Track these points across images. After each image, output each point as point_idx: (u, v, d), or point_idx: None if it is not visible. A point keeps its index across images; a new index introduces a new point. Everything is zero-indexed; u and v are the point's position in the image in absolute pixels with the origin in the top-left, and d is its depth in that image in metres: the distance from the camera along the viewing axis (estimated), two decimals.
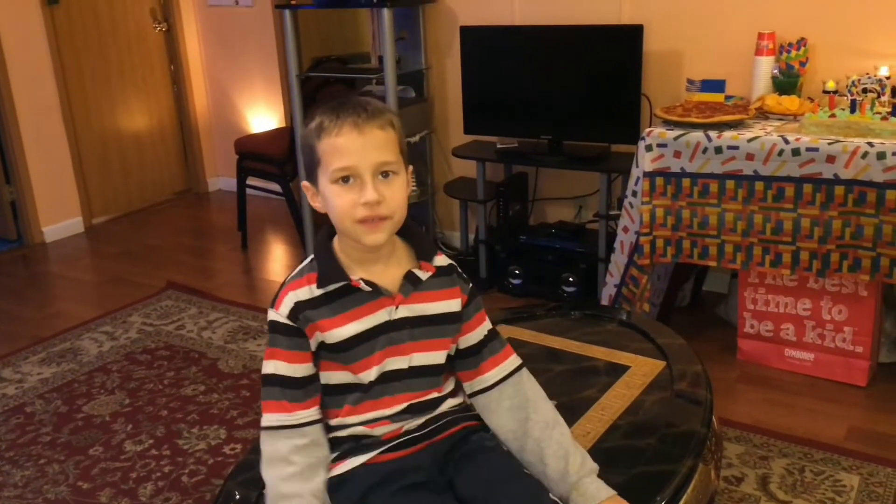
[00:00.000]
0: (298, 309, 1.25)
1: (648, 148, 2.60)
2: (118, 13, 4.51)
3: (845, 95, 2.59)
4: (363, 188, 1.21)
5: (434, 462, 1.30)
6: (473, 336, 1.36)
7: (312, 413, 1.29)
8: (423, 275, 1.30)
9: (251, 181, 4.02)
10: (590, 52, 3.14)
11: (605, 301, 2.89)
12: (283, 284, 1.30)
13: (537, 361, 1.77)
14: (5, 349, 3.02)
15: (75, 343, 3.04)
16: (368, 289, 1.26)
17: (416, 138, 3.53)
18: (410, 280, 1.29)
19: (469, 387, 1.37)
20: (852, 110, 2.43)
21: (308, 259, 1.32)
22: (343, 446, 1.30)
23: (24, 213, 4.19)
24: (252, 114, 4.81)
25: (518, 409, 1.33)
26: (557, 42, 3.19)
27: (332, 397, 1.30)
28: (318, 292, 1.26)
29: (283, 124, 4.58)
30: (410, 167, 1.30)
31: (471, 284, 1.38)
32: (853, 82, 2.62)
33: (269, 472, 1.28)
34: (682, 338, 1.89)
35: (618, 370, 1.73)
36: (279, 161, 3.84)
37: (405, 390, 1.30)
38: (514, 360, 1.38)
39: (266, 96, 4.70)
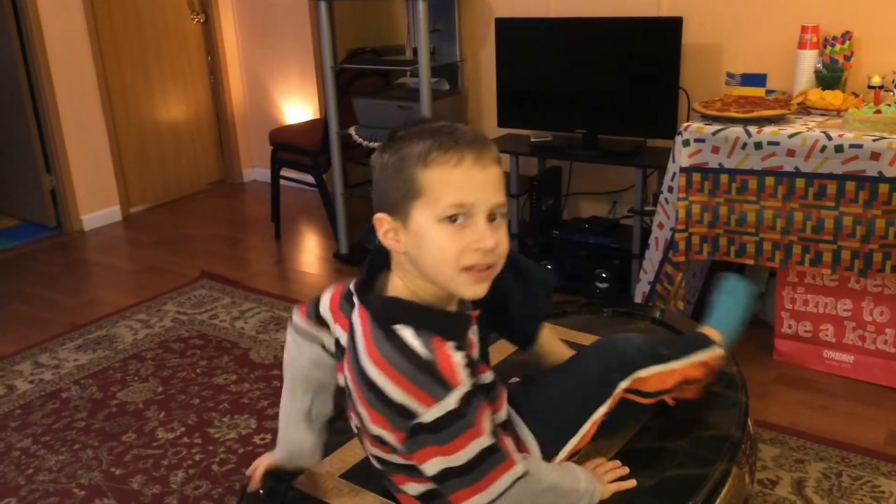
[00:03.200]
0: (472, 368, 1.09)
1: (686, 143, 2.55)
2: (157, 4, 4.56)
3: (891, 91, 2.53)
4: (477, 231, 1.07)
5: None
6: None
7: None
8: None
9: (285, 172, 4.04)
10: (627, 45, 3.09)
11: (638, 298, 2.85)
12: (424, 370, 1.07)
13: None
14: (43, 335, 3.08)
15: (111, 330, 3.08)
16: (476, 312, 1.20)
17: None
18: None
19: None
20: None
21: (417, 343, 1.08)
22: None
23: (64, 202, 4.26)
24: (287, 105, 4.83)
25: None
26: (594, 34, 3.15)
27: None
28: (455, 346, 1.09)
29: (317, 116, 4.59)
30: None
31: None
32: None
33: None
34: None
35: None
36: (313, 153, 3.84)
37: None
38: None
39: (301, 88, 4.72)
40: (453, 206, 1.06)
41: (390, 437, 1.12)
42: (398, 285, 1.15)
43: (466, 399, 1.06)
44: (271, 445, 2.25)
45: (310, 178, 3.96)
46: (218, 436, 2.35)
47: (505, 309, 1.40)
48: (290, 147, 3.97)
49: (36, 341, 3.02)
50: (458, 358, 1.07)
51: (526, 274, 1.44)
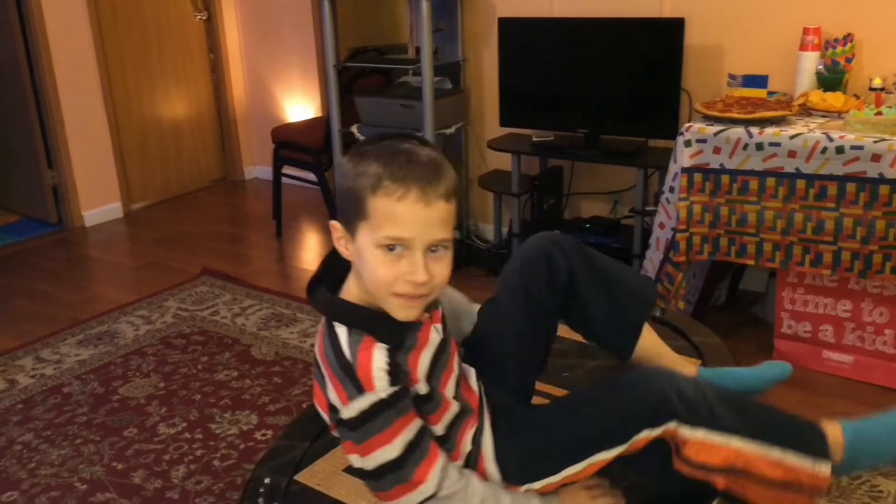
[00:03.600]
0: (395, 376, 1.12)
1: (687, 143, 2.56)
2: (160, 1, 4.57)
3: (892, 93, 2.54)
4: (412, 264, 1.09)
5: None
6: None
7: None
8: None
9: (287, 170, 4.05)
10: (629, 46, 3.10)
11: None
12: (345, 369, 1.12)
13: (570, 357, 1.75)
14: (45, 330, 3.08)
15: (112, 326, 3.09)
16: (427, 317, 1.20)
17: (452, 130, 3.52)
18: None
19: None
20: None
21: (342, 331, 1.14)
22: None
23: (65, 198, 4.27)
24: (289, 103, 4.84)
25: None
26: (596, 35, 3.16)
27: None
28: (388, 347, 1.13)
29: (319, 114, 4.60)
30: None
31: None
32: None
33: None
34: (717, 336, 1.85)
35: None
36: (315, 151, 3.85)
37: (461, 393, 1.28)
38: None
39: (303, 86, 4.73)
40: (390, 238, 1.09)
41: (328, 420, 1.20)
42: (352, 287, 1.19)
43: (379, 406, 1.10)
44: (272, 441, 2.27)
45: (311, 176, 3.96)
46: (219, 431, 2.36)
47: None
48: (292, 145, 3.97)
49: (37, 336, 3.03)
50: (378, 363, 1.10)
51: (611, 283, 1.42)
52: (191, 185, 4.93)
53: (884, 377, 2.52)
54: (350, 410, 1.11)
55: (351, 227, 1.13)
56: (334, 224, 1.17)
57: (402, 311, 1.13)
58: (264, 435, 2.34)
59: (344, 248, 1.16)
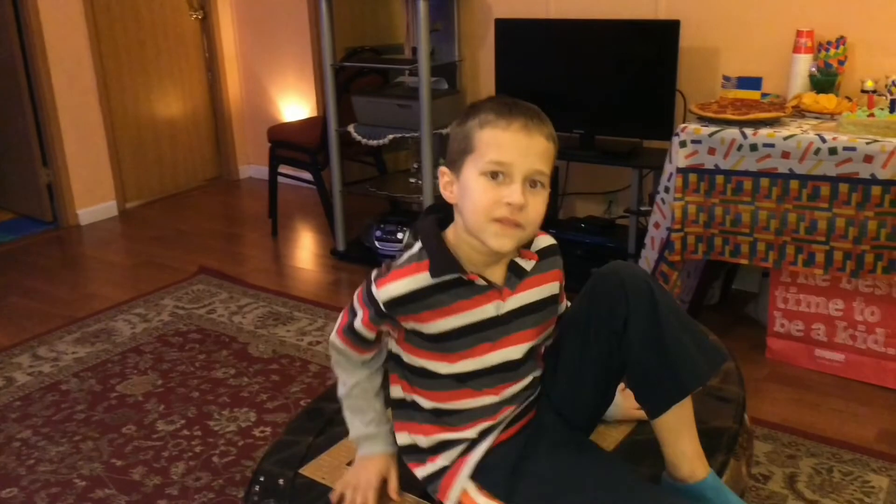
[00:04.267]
0: (400, 303, 1.26)
1: (682, 144, 2.59)
2: (155, 0, 4.57)
3: (884, 95, 2.57)
4: (511, 188, 1.18)
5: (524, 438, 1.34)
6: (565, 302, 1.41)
7: (371, 357, 1.41)
8: (528, 264, 1.31)
9: (283, 169, 4.06)
10: (625, 47, 3.13)
11: None
12: (390, 266, 1.29)
13: None
14: (41, 328, 3.09)
15: (109, 324, 3.10)
16: (483, 283, 1.26)
17: (448, 130, 3.53)
18: (515, 272, 1.29)
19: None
20: (891, 110, 2.40)
21: (417, 246, 1.29)
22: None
23: (60, 196, 4.26)
24: (284, 103, 4.85)
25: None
26: (592, 36, 3.18)
27: (438, 381, 1.31)
28: (431, 282, 1.24)
29: (314, 114, 4.62)
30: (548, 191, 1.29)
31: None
32: (893, 82, 2.60)
33: (338, 371, 1.42)
34: (714, 335, 1.88)
35: None
36: (311, 150, 3.87)
37: (512, 379, 1.31)
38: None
39: (298, 85, 4.74)
40: (494, 162, 1.19)
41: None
42: (449, 234, 1.30)
43: (369, 295, 1.29)
44: (271, 438, 2.28)
45: (307, 175, 3.98)
46: (218, 428, 2.37)
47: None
48: (288, 144, 3.99)
49: (34, 334, 3.04)
50: (396, 286, 1.26)
51: (667, 345, 1.25)
52: (186, 184, 4.93)
53: (875, 375, 2.56)
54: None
55: (457, 166, 1.24)
56: (442, 169, 1.29)
57: (497, 240, 1.21)
58: (263, 432, 2.35)
59: (449, 193, 1.27)
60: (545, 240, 1.36)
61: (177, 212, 4.58)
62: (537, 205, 1.21)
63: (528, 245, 1.31)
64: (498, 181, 1.19)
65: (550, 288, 1.34)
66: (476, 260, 1.26)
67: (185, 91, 4.84)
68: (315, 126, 3.95)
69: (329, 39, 3.54)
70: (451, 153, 1.26)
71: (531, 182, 1.20)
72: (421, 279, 1.24)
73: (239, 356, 2.81)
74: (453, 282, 1.25)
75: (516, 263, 1.29)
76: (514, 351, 1.30)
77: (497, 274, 1.28)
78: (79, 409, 2.50)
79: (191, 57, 4.83)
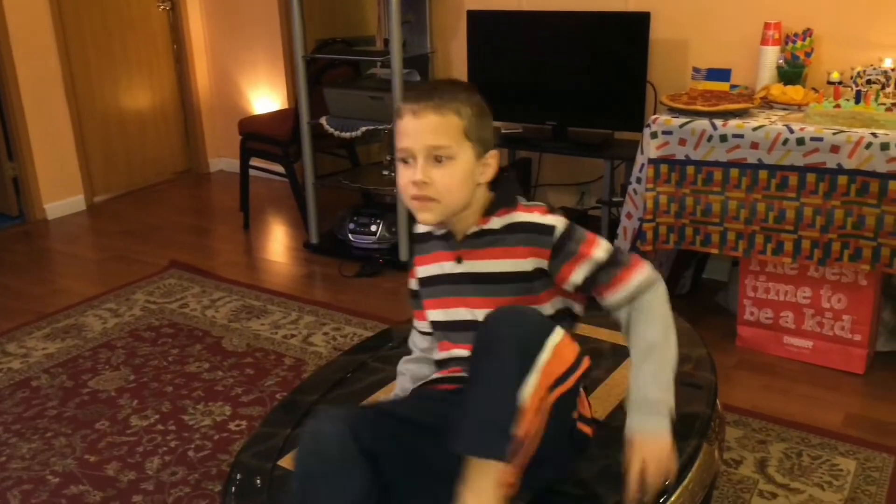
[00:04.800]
0: (413, 242, 1.52)
1: (654, 135, 2.62)
2: None
3: (850, 86, 2.62)
4: (413, 168, 1.32)
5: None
6: (578, 275, 1.33)
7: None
8: (483, 227, 1.37)
9: (254, 162, 4.03)
10: (596, 39, 3.15)
11: None
12: None
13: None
14: (9, 324, 3.04)
15: (79, 319, 3.06)
16: (440, 232, 1.41)
17: None
18: (476, 235, 1.37)
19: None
20: (857, 101, 2.45)
21: None
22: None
23: (27, 190, 4.20)
24: (255, 95, 4.81)
25: (627, 334, 1.34)
26: (564, 28, 3.20)
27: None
28: (420, 230, 1.47)
29: (285, 106, 4.58)
30: (494, 151, 1.35)
31: (559, 234, 1.34)
32: (858, 73, 2.65)
33: None
34: (686, 322, 1.91)
35: (623, 352, 1.75)
36: (283, 143, 3.84)
37: (469, 340, 1.32)
38: (625, 288, 1.31)
39: (269, 77, 4.70)
40: (400, 150, 1.34)
41: None
42: None
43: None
44: (247, 432, 2.28)
45: (279, 168, 3.95)
46: (192, 423, 2.36)
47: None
48: (259, 137, 3.96)
49: (2, 330, 2.99)
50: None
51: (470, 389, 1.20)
52: (155, 178, 4.87)
53: (841, 361, 2.61)
54: None
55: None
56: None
57: (419, 214, 1.35)
58: (238, 426, 2.34)
59: None
60: (534, 216, 1.35)
61: (146, 206, 4.52)
62: (444, 177, 1.31)
63: (491, 212, 1.37)
64: (409, 165, 1.33)
65: (516, 264, 1.34)
66: (447, 224, 1.41)
67: (154, 83, 4.78)
68: (286, 118, 3.93)
69: (300, 31, 3.51)
70: None
71: (435, 158, 1.30)
72: (420, 227, 1.46)
73: (213, 350, 2.79)
74: (428, 235, 1.45)
75: (481, 229, 1.37)
76: (477, 313, 1.37)
77: (459, 236, 1.40)
78: (50, 406, 2.47)
79: (159, 48, 4.77)
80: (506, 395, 1.15)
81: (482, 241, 1.37)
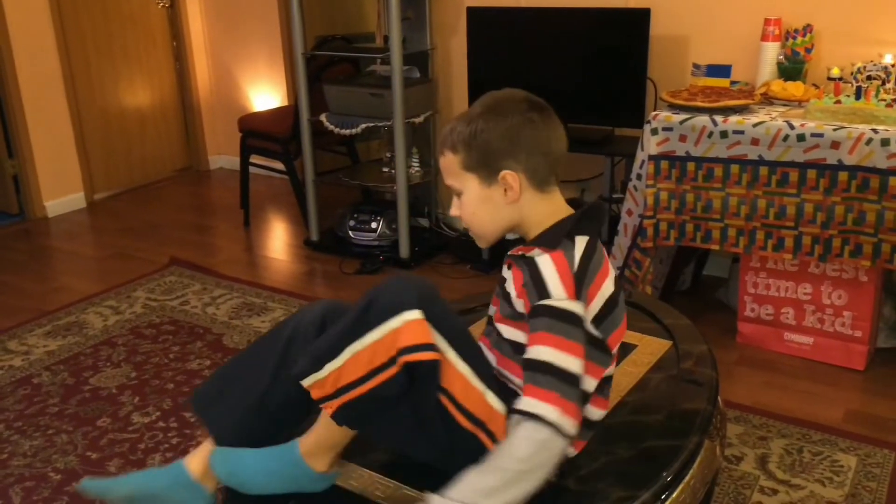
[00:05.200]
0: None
1: (654, 131, 2.61)
2: None
3: (850, 82, 2.62)
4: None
5: None
6: (525, 348, 1.26)
7: None
8: (524, 252, 1.32)
9: (254, 159, 4.03)
10: (596, 35, 3.14)
11: None
12: None
13: None
14: (10, 322, 3.04)
15: (80, 317, 3.06)
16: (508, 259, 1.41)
17: (421, 119, 3.53)
18: (518, 253, 1.35)
19: None
20: (857, 97, 2.45)
21: None
22: None
23: (27, 188, 4.19)
24: (255, 92, 4.80)
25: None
26: (564, 24, 3.20)
27: None
28: None
29: (285, 103, 4.58)
30: (506, 172, 1.30)
31: (544, 306, 1.23)
32: (858, 69, 2.65)
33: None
34: (686, 318, 1.91)
35: (625, 349, 1.75)
36: (283, 140, 3.84)
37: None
38: (523, 401, 1.19)
39: (269, 74, 4.70)
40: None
41: None
42: None
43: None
44: None
45: (279, 165, 3.95)
46: (194, 419, 2.36)
47: None
48: (259, 134, 3.95)
49: (3, 327, 2.99)
50: None
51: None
52: (155, 175, 4.87)
53: (842, 357, 2.61)
54: None
55: None
56: None
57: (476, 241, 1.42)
58: None
59: None
60: (530, 251, 1.30)
61: (146, 203, 4.52)
62: (463, 210, 1.37)
63: (537, 243, 1.31)
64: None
65: (512, 287, 1.32)
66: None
67: (154, 80, 4.78)
68: (286, 116, 3.93)
69: (300, 28, 3.51)
70: None
71: (456, 194, 1.37)
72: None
73: (213, 347, 2.79)
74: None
75: (522, 254, 1.33)
76: (493, 309, 1.44)
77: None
78: (52, 403, 2.47)
79: (159, 46, 4.76)
80: (340, 340, 1.25)
81: (518, 260, 1.32)
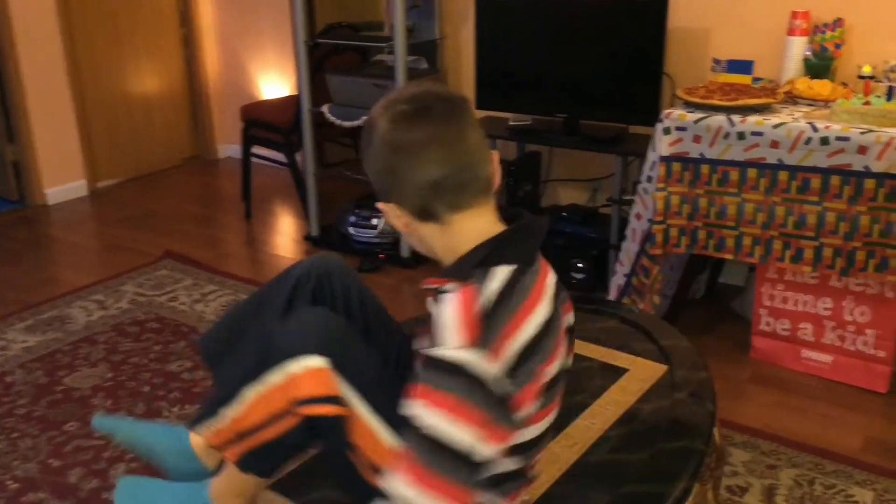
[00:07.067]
0: None
1: (666, 131, 2.44)
2: None
3: (882, 81, 2.43)
4: None
5: None
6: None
7: None
8: (433, 285, 1.14)
9: (257, 150, 3.90)
10: (611, 27, 2.96)
11: (613, 292, 2.74)
12: None
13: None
14: None
15: (64, 311, 2.96)
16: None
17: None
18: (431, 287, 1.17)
19: None
20: (889, 98, 2.25)
21: None
22: None
23: (27, 174, 4.11)
24: (264, 80, 4.68)
25: None
26: (577, 16, 3.02)
27: None
28: None
29: (294, 92, 4.45)
30: (383, 204, 1.18)
31: (428, 356, 1.04)
32: (891, 67, 2.46)
33: None
34: (688, 338, 1.74)
35: (614, 373, 1.59)
36: (285, 130, 3.71)
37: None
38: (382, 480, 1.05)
39: (279, 62, 4.57)
40: None
41: None
42: None
43: None
44: None
45: (282, 157, 3.82)
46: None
47: None
48: (261, 123, 3.83)
49: None
50: None
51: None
52: (161, 164, 4.77)
53: (863, 379, 2.42)
54: None
55: None
56: None
57: None
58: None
59: None
60: (450, 315, 1.04)
61: (150, 192, 4.42)
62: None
63: (448, 276, 1.13)
64: None
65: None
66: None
67: (161, 66, 4.67)
68: (290, 105, 3.79)
69: (303, 14, 3.37)
70: None
71: None
72: None
73: (196, 348, 2.66)
74: None
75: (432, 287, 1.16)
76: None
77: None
78: (21, 404, 2.36)
79: (167, 31, 4.65)
80: (236, 381, 1.18)
81: (436, 294, 1.12)
